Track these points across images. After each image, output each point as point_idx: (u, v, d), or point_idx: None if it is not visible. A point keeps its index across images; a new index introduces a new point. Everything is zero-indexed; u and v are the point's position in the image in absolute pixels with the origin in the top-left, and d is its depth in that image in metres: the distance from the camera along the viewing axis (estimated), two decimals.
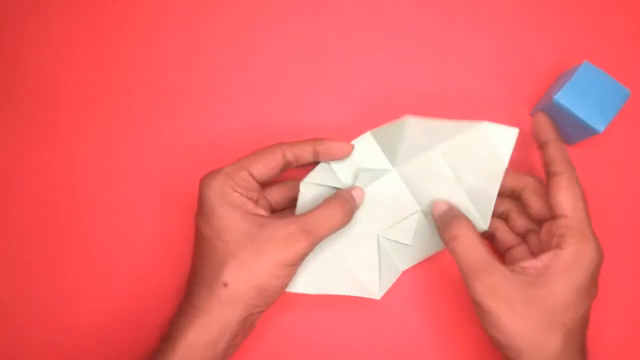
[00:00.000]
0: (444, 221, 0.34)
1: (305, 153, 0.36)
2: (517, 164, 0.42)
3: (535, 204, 0.36)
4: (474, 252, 0.32)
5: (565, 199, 0.32)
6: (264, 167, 0.35)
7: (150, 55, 0.45)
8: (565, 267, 0.31)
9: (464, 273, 0.32)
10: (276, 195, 0.39)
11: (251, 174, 0.34)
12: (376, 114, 0.43)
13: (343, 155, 0.37)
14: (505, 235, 0.38)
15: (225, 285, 0.32)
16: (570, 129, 0.40)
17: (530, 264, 0.32)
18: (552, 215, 0.33)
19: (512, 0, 0.45)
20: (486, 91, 0.44)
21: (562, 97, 0.38)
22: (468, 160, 0.36)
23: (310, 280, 0.37)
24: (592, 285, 0.31)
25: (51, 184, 0.43)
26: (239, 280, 0.32)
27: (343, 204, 0.35)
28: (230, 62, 0.45)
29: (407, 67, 0.44)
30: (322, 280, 0.37)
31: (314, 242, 0.33)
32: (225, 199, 0.33)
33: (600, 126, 0.38)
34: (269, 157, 0.35)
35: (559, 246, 0.31)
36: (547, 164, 0.34)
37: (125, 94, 0.44)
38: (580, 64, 0.39)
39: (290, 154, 0.35)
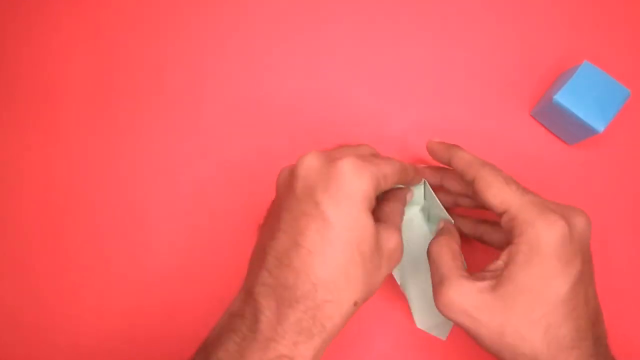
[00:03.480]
0: (439, 233, 0.35)
1: (406, 181, 0.33)
2: (518, 164, 0.42)
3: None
4: (446, 263, 0.32)
5: (493, 198, 0.30)
6: (391, 184, 0.31)
7: (153, 55, 0.45)
8: (520, 260, 0.29)
9: (438, 282, 0.32)
10: None
11: (382, 185, 0.30)
12: (375, 113, 0.43)
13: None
14: (492, 235, 0.37)
15: (356, 304, 0.28)
16: (570, 129, 0.40)
17: (494, 265, 0.30)
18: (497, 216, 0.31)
19: (513, 1, 0.45)
20: (486, 91, 0.44)
21: (562, 97, 0.38)
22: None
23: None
24: (566, 265, 0.28)
25: (52, 184, 0.43)
26: (364, 299, 0.29)
27: (404, 205, 0.35)
28: (232, 62, 0.45)
29: (407, 67, 0.44)
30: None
31: None
32: (369, 205, 0.29)
33: (600, 126, 0.38)
34: (396, 177, 0.31)
35: (510, 241, 0.30)
36: (462, 177, 0.33)
37: (126, 93, 0.44)
38: (580, 64, 0.39)
39: (403, 179, 0.32)
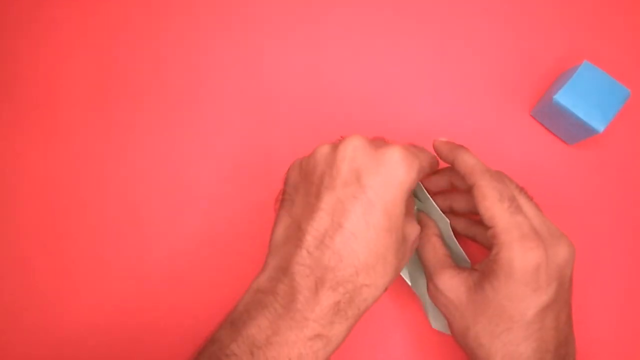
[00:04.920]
0: None
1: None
2: (518, 164, 0.42)
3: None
4: (429, 257, 0.34)
5: (485, 210, 0.30)
6: (425, 175, 0.32)
7: (152, 54, 0.45)
8: (492, 278, 0.30)
9: (426, 276, 0.34)
10: None
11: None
12: (375, 113, 0.43)
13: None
14: (484, 238, 0.38)
15: (385, 289, 0.29)
16: (570, 129, 0.40)
17: (477, 266, 0.32)
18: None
19: (513, 1, 0.46)
20: (486, 91, 0.44)
21: (562, 97, 0.38)
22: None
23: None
24: (536, 292, 0.29)
25: (51, 184, 0.42)
26: (390, 284, 0.30)
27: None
28: (231, 61, 0.45)
29: (407, 67, 0.44)
30: None
31: None
32: (407, 196, 0.29)
33: (600, 126, 0.38)
34: (440, 180, 0.35)
35: (490, 254, 0.31)
36: (463, 180, 0.33)
37: (125, 92, 0.44)
38: (580, 64, 0.39)
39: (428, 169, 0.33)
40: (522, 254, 0.29)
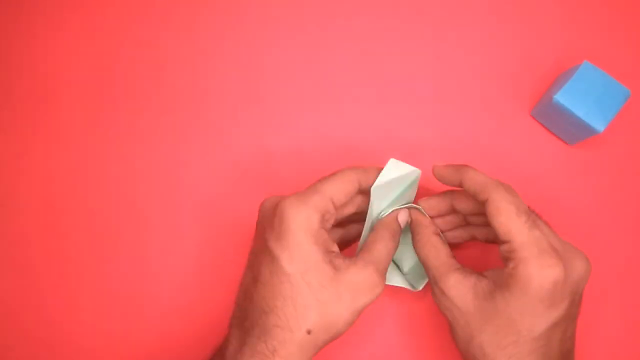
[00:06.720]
0: (413, 232, 0.35)
1: (370, 180, 0.33)
2: (518, 164, 0.42)
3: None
4: (431, 258, 0.33)
5: (499, 226, 0.30)
6: (345, 196, 0.32)
7: (152, 56, 0.45)
8: (506, 291, 0.29)
9: (430, 279, 0.33)
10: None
11: (334, 205, 0.32)
12: (375, 114, 0.43)
13: None
14: (482, 235, 0.37)
15: (309, 332, 0.30)
16: (570, 129, 0.40)
17: (486, 274, 0.31)
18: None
19: (512, 1, 0.46)
20: (486, 91, 0.44)
21: (562, 97, 0.38)
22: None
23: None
24: (549, 308, 0.29)
25: (52, 184, 0.43)
26: (321, 329, 0.30)
27: (394, 234, 0.34)
28: (235, 63, 0.45)
29: (406, 67, 0.44)
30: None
31: (385, 280, 0.32)
32: (313, 236, 0.30)
33: (600, 126, 0.38)
34: (348, 186, 0.32)
35: (502, 264, 0.30)
36: (474, 198, 0.32)
37: (126, 93, 0.44)
38: (580, 64, 0.39)
39: (364, 179, 0.33)
40: (540, 271, 0.28)
